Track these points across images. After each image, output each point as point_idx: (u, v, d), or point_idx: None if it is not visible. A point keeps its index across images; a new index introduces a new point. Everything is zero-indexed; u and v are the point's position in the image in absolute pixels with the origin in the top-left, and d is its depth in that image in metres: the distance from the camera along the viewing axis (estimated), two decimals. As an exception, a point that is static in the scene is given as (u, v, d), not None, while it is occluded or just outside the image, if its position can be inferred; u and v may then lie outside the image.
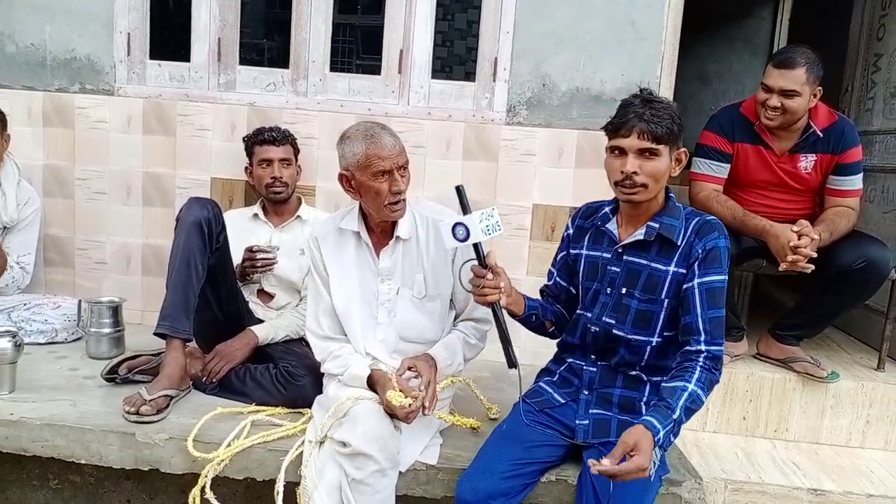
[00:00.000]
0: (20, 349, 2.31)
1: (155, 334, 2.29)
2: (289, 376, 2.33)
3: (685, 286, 1.86)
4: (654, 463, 1.84)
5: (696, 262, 1.84)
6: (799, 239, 2.50)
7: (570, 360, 2.09)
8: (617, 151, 1.86)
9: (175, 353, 2.28)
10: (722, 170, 2.82)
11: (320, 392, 2.21)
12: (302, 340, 2.59)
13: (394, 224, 2.11)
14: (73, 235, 3.18)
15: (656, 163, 1.83)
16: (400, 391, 1.92)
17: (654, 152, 1.82)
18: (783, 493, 2.46)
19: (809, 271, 2.50)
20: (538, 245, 3.00)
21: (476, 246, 1.83)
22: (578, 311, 2.06)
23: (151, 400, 2.17)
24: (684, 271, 1.87)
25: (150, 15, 3.08)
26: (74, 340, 2.87)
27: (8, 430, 2.13)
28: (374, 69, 3.08)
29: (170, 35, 3.15)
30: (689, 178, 2.92)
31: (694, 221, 1.89)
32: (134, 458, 2.11)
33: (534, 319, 2.09)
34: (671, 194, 1.94)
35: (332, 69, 3.08)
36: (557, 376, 2.11)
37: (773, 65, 2.67)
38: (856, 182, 2.76)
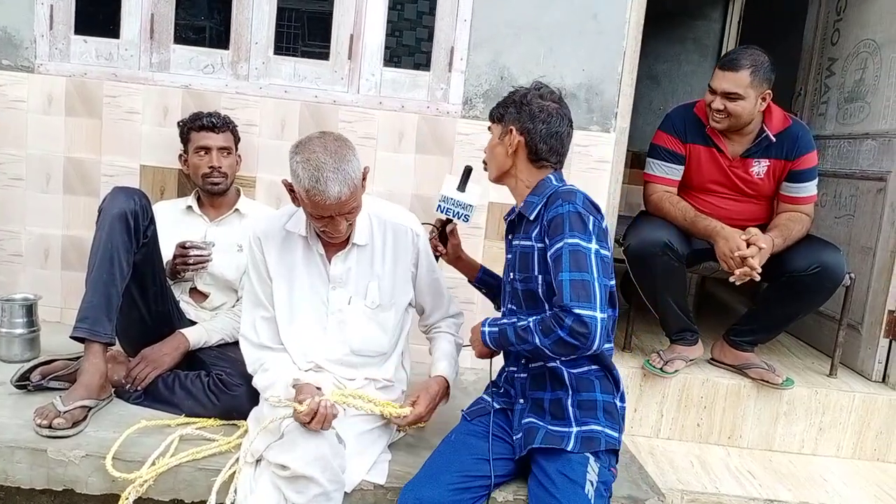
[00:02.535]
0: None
1: (72, 338, 2.07)
2: (222, 385, 2.14)
3: None
4: (592, 483, 1.75)
5: (545, 235, 1.80)
6: (748, 247, 2.45)
7: (508, 368, 2.03)
8: None
9: (94, 359, 2.07)
10: (674, 171, 2.76)
11: (257, 403, 2.02)
12: (237, 344, 2.40)
13: None
14: (-15, 225, 2.90)
15: (489, 141, 1.97)
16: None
17: (490, 131, 1.98)
18: (740, 503, 2.41)
19: (758, 279, 2.46)
20: (493, 244, 2.87)
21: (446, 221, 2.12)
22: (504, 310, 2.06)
23: (66, 411, 1.95)
24: (542, 245, 1.83)
25: (75, -14, 2.82)
26: (-17, 341, 2.61)
27: None
28: (320, 56, 2.90)
29: (97, 9, 2.90)
30: (643, 180, 2.85)
31: (549, 195, 1.85)
32: (45, 476, 1.89)
33: (483, 291, 2.26)
34: (550, 176, 1.91)
35: (276, 53, 2.88)
36: (501, 388, 2.05)
37: (718, 66, 2.62)
38: (810, 189, 2.72)
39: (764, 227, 2.63)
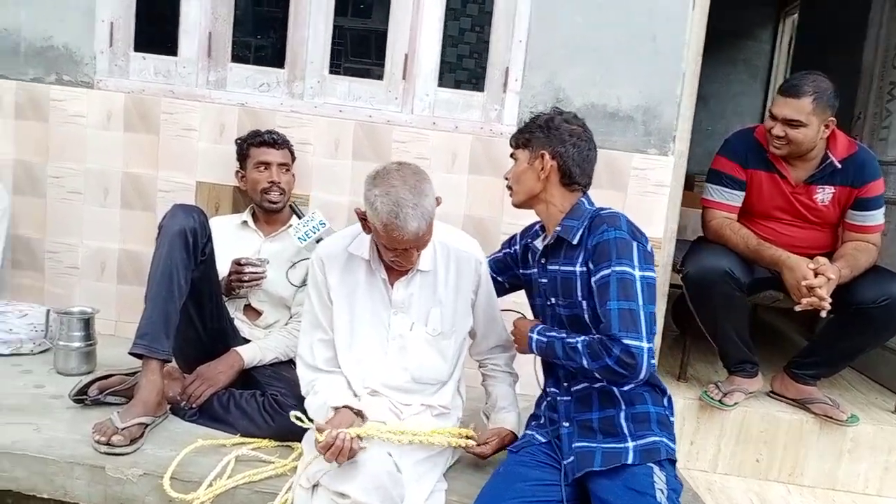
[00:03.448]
0: (-21, 365, 2.09)
1: (131, 353, 2.08)
2: (277, 405, 2.13)
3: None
4: (662, 491, 1.73)
5: (590, 260, 1.81)
6: (815, 277, 2.38)
7: (548, 391, 2.01)
8: None
9: (152, 376, 2.07)
10: (735, 197, 2.69)
11: (312, 425, 2.00)
12: (291, 363, 2.39)
13: None
14: (44, 237, 2.94)
15: (514, 167, 1.95)
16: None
17: (514, 157, 1.96)
18: (802, 544, 2.32)
19: (826, 312, 2.37)
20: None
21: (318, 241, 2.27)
22: None
23: (124, 428, 1.96)
24: (585, 270, 1.83)
25: (135, 3, 2.86)
26: (41, 352, 2.65)
27: (-39, 458, 1.90)
28: (363, 73, 2.91)
29: (157, 26, 2.94)
30: (702, 205, 2.79)
31: (591, 219, 1.86)
32: (103, 494, 1.90)
33: None
34: (582, 199, 1.92)
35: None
36: (543, 418, 2.02)
37: (779, 92, 2.56)
38: (877, 217, 2.63)
39: (829, 255, 2.55)
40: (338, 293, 1.95)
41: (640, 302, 1.72)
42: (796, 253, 2.51)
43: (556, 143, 1.87)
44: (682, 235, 3.64)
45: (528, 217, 2.76)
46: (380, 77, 2.87)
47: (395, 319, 1.95)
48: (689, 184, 4.73)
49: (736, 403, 2.67)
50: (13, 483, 1.91)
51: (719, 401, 2.66)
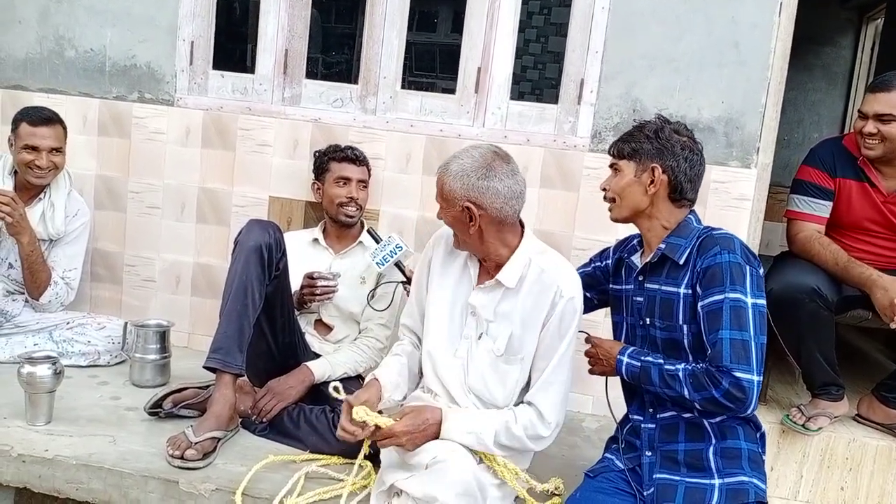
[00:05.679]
0: (59, 377, 2.15)
1: (205, 367, 2.11)
2: (347, 422, 2.11)
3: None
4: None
5: (698, 284, 1.72)
6: None
7: (631, 416, 1.93)
8: None
9: (225, 390, 2.09)
10: (822, 208, 2.57)
11: (381, 442, 1.98)
12: (360, 378, 2.39)
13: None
14: (123, 251, 3.03)
15: (618, 178, 1.84)
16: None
17: (616, 167, 1.86)
18: (899, 585, 2.17)
19: None
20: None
21: (397, 265, 2.24)
22: None
23: (198, 443, 1.98)
24: (691, 292, 1.75)
25: (215, 23, 2.93)
26: (117, 364, 2.71)
27: (42, 469, 1.96)
28: (427, 86, 2.89)
29: (235, 45, 3.01)
30: (787, 217, 2.66)
31: (700, 239, 1.77)
32: (176, 508, 1.91)
33: None
34: (689, 216, 1.84)
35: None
36: (623, 442, 1.93)
37: (868, 90, 2.46)
38: None
39: None
40: (435, 272, 1.97)
41: (753, 332, 1.64)
42: (887, 267, 2.40)
43: (668, 157, 1.78)
44: (762, 250, 3.50)
45: (602, 232, 2.71)
46: (444, 90, 2.85)
47: (470, 319, 1.91)
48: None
49: (820, 428, 2.53)
50: (90, 495, 1.95)
51: (802, 425, 2.53)
